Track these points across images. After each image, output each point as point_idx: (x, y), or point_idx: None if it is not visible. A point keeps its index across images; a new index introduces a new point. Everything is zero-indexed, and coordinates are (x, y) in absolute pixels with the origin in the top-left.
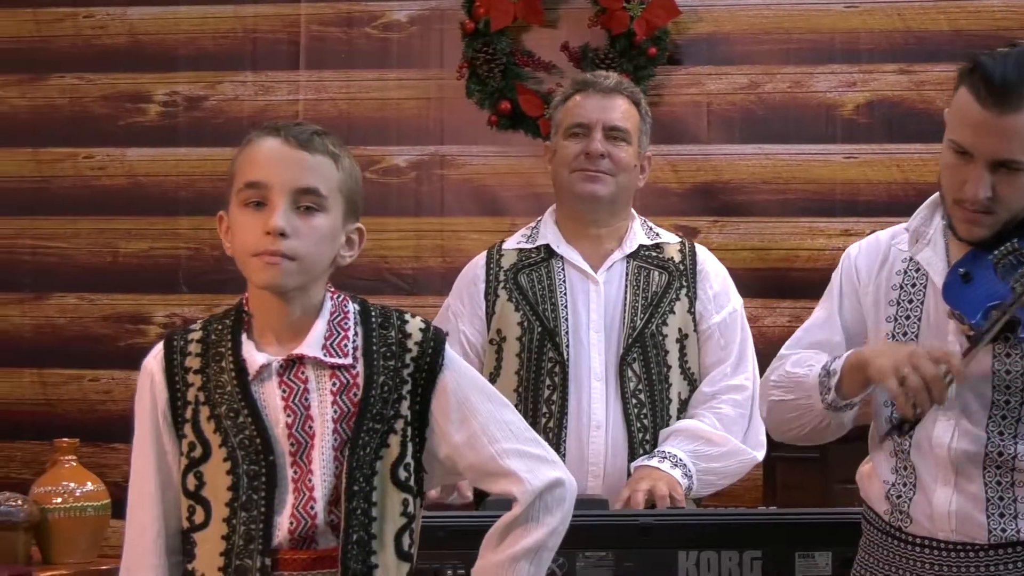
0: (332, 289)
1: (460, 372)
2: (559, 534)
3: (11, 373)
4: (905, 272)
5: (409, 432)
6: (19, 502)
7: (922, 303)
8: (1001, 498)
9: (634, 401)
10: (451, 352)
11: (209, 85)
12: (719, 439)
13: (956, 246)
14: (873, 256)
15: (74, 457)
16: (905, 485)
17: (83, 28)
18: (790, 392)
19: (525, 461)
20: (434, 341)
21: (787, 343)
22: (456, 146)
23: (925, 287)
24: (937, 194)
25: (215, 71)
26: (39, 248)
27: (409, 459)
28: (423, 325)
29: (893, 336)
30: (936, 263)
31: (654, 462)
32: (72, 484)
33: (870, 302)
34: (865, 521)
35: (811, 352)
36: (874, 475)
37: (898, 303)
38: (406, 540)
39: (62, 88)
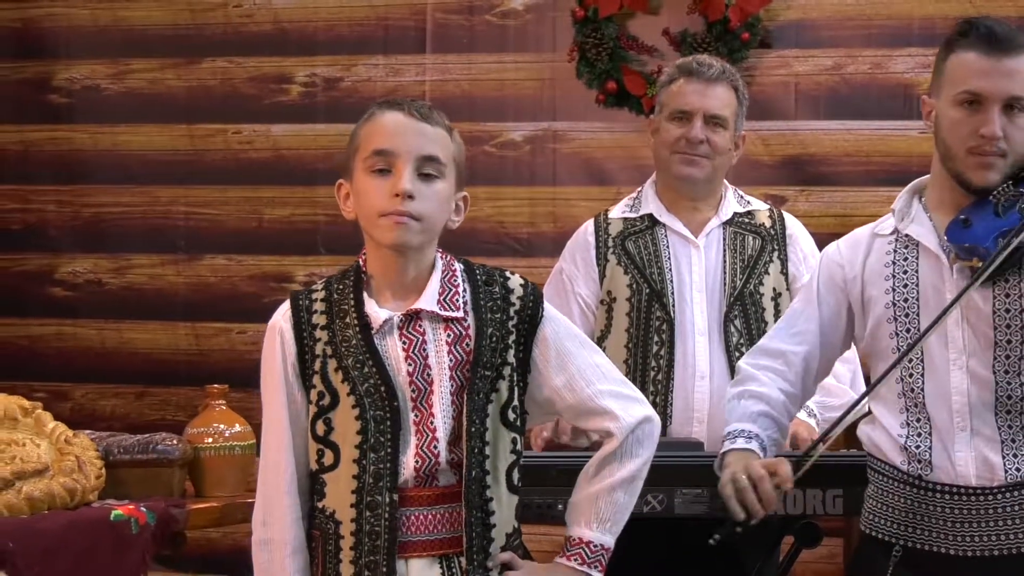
0: (440, 251)
1: (557, 322)
2: (647, 466)
3: (168, 326)
4: (895, 251)
5: (515, 377)
6: (175, 441)
7: (916, 271)
8: (1014, 440)
9: (737, 354)
10: (548, 305)
11: (345, 68)
12: (839, 392)
13: (939, 218)
14: (855, 250)
15: (223, 401)
16: (920, 435)
17: (232, 16)
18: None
19: (619, 400)
20: (533, 296)
21: (769, 332)
22: (567, 122)
23: (917, 257)
24: (915, 182)
25: (350, 55)
26: (192, 214)
27: (516, 402)
28: (523, 282)
29: (894, 304)
30: (926, 233)
31: None
32: (222, 426)
33: (859, 288)
34: (874, 471)
35: (758, 384)
36: (879, 428)
37: (893, 276)
38: (515, 475)
39: (213, 70)
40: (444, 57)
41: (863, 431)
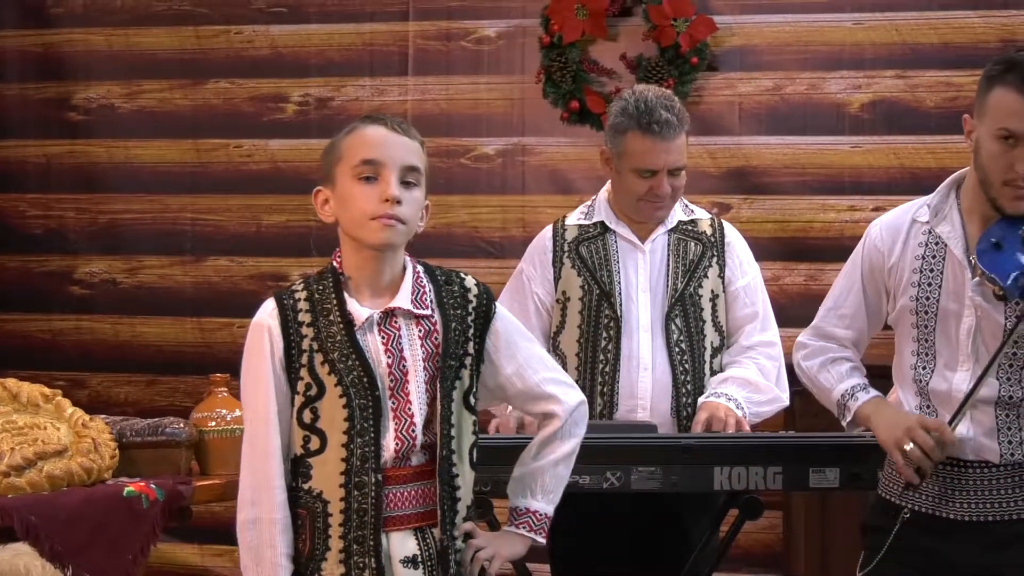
0: (407, 254)
1: (506, 318)
2: (580, 443)
3: (176, 321)
4: (926, 245)
5: (474, 366)
6: (182, 425)
7: (942, 272)
8: (1009, 428)
9: (677, 349)
10: (498, 303)
11: (335, 88)
12: (765, 388)
13: (971, 221)
14: (895, 235)
15: (226, 389)
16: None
17: (234, 42)
18: (817, 390)
19: (560, 386)
20: (486, 295)
21: (821, 313)
22: (535, 137)
23: (944, 257)
24: (954, 175)
25: (340, 77)
26: (198, 220)
27: (475, 388)
28: (476, 282)
29: (917, 300)
30: (955, 237)
31: (722, 400)
32: (224, 410)
33: (894, 274)
34: None
35: (836, 348)
36: (900, 406)
37: (920, 271)
38: (474, 454)
39: (217, 91)
40: (424, 79)
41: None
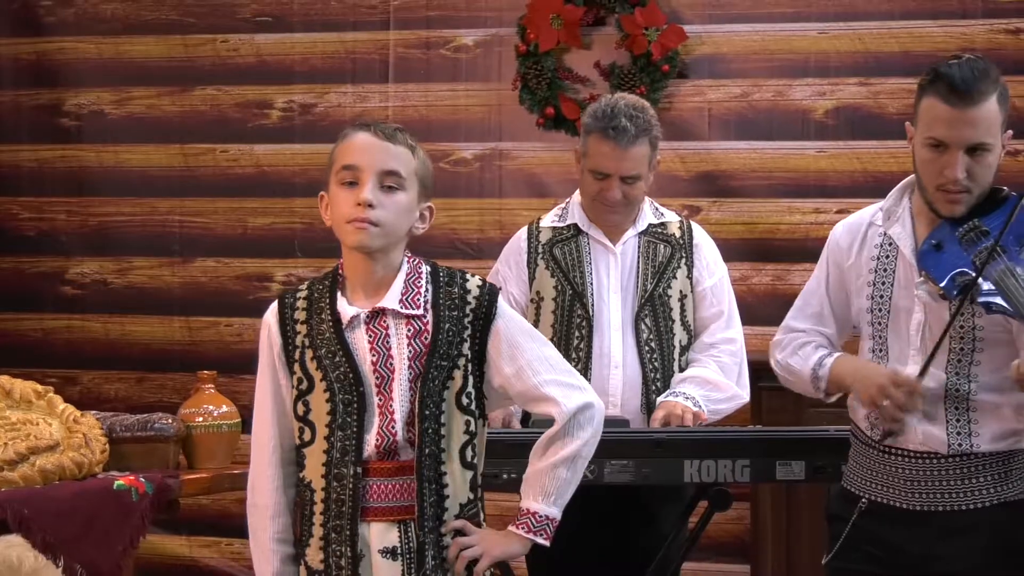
0: (409, 255)
1: (509, 319)
2: (591, 446)
3: (164, 320)
4: (880, 246)
5: (470, 367)
6: (170, 420)
7: (894, 271)
8: (959, 420)
9: (647, 348)
10: (503, 303)
11: (318, 95)
12: (724, 386)
13: (921, 223)
14: (854, 236)
15: (213, 385)
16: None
17: (220, 50)
18: (792, 376)
19: (562, 389)
20: (489, 295)
21: (790, 312)
22: (511, 142)
23: (896, 257)
24: (906, 179)
25: (323, 84)
26: (186, 222)
27: (470, 388)
28: (480, 283)
29: (872, 299)
30: (905, 237)
31: (679, 399)
32: (211, 407)
33: (852, 273)
34: (853, 437)
35: (805, 335)
36: (857, 401)
37: (875, 271)
38: (469, 453)
39: (204, 97)
40: (405, 86)
41: (850, 401)
